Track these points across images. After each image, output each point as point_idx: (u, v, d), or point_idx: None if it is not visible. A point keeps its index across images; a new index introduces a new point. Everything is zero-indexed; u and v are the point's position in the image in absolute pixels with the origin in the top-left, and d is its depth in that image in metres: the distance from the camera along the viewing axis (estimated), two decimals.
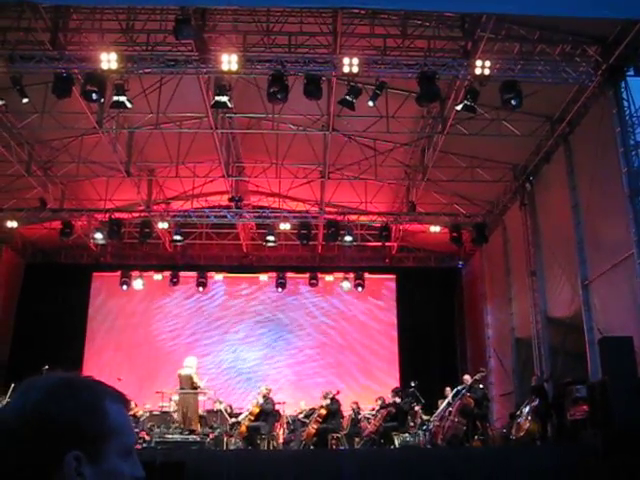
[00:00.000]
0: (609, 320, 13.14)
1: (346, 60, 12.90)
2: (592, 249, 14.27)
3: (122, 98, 13.56)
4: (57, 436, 1.24)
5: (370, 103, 14.04)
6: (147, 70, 13.55)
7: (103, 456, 1.27)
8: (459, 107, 13.72)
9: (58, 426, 1.25)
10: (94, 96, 13.26)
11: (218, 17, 13.48)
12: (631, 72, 12.84)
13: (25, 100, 13.60)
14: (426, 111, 16.02)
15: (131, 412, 15.90)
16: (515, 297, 19.09)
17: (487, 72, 12.90)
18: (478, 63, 12.82)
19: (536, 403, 13.69)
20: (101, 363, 21.93)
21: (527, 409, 13.81)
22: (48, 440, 1.24)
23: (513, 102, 13.04)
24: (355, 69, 12.96)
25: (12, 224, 19.31)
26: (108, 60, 12.71)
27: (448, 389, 15.47)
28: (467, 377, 15.05)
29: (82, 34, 13.45)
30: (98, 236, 19.78)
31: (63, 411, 1.27)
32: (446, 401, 14.92)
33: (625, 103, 12.84)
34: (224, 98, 13.61)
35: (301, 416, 16.48)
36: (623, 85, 12.91)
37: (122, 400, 1.38)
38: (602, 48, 12.93)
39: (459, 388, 14.75)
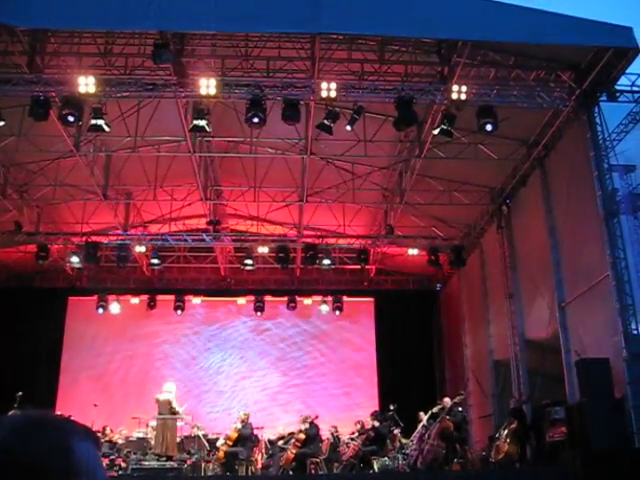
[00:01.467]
0: (586, 342, 13.23)
1: (324, 85, 12.99)
2: (568, 271, 14.41)
3: (100, 122, 13.52)
4: (21, 476, 1.20)
5: (348, 127, 14.11)
6: (125, 94, 13.53)
7: None
8: (436, 131, 13.86)
9: (23, 465, 1.21)
10: (71, 119, 13.21)
11: (197, 42, 13.53)
12: (604, 97, 13.09)
13: (1, 123, 13.52)
14: (403, 135, 16.14)
15: (107, 438, 15.69)
16: (493, 319, 19.17)
17: (463, 97, 13.06)
18: (454, 88, 12.98)
19: (514, 425, 13.70)
20: (76, 388, 21.62)
21: (506, 431, 13.80)
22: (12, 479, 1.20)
23: (489, 127, 13.21)
24: (333, 94, 13.05)
25: None
26: (86, 84, 12.67)
27: (422, 413, 15.45)
28: (446, 400, 15.04)
29: (60, 57, 13.43)
30: (74, 260, 19.56)
31: (27, 450, 1.23)
32: (421, 424, 14.89)
33: (599, 127, 13.06)
34: (202, 122, 13.62)
35: (280, 442, 16.32)
36: (596, 110, 13.14)
37: (92, 438, 1.34)
38: (575, 74, 13.18)
39: (434, 410, 14.72)
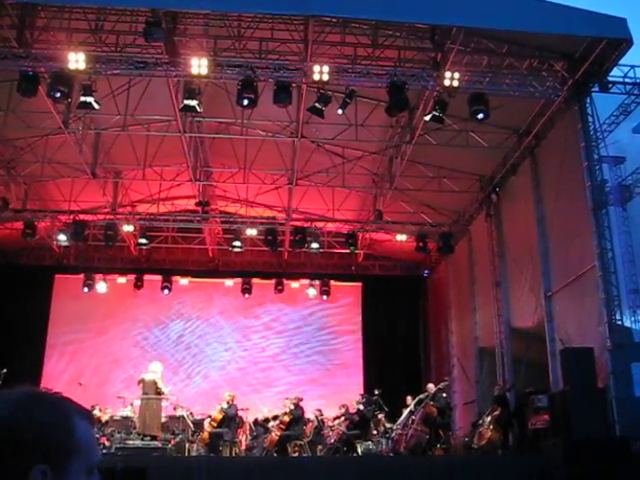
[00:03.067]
0: (571, 331, 13.34)
1: (316, 68, 12.91)
2: (556, 261, 14.49)
3: (89, 99, 13.39)
4: (25, 449, 1.23)
5: (339, 111, 14.07)
6: (116, 71, 13.41)
7: (67, 472, 1.26)
8: (427, 117, 13.83)
9: (26, 439, 1.24)
10: (60, 96, 13.07)
11: (189, 20, 13.40)
12: (596, 88, 13.11)
13: None
14: (395, 120, 16.11)
15: (96, 417, 15.68)
16: (479, 307, 19.27)
17: (456, 84, 13.03)
18: (447, 75, 12.95)
19: (498, 412, 13.82)
20: (61, 366, 21.59)
21: (489, 418, 13.92)
22: (16, 453, 1.22)
23: (481, 115, 13.20)
24: (325, 77, 12.98)
25: None
26: (76, 60, 12.53)
27: (409, 398, 15.53)
28: (431, 386, 15.14)
29: (50, 32, 13.24)
30: (61, 238, 19.45)
31: (32, 425, 1.25)
32: (408, 409, 14.97)
33: (590, 118, 13.09)
34: (193, 102, 13.52)
35: (270, 424, 16.36)
36: (588, 101, 13.16)
37: (89, 417, 1.38)
38: (568, 64, 13.17)
39: (421, 396, 14.81)
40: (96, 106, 13.58)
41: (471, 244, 20.09)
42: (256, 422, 16.94)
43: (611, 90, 13.17)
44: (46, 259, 22.77)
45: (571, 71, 13.11)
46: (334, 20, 13.22)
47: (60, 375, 21.01)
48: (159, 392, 14.64)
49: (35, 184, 19.28)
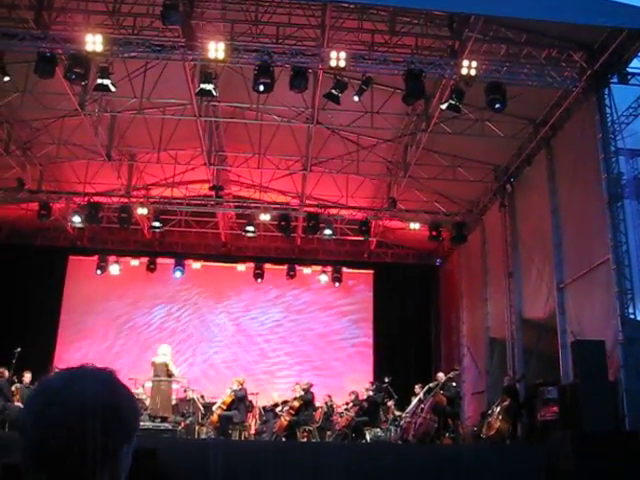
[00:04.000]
0: (582, 323, 13.29)
1: (333, 54, 12.85)
2: (569, 253, 14.42)
3: (106, 81, 13.40)
4: (122, 429, 1.32)
5: (355, 98, 14.03)
6: (132, 54, 13.39)
7: (129, 452, 1.36)
8: (444, 106, 13.75)
9: (124, 420, 1.33)
10: (77, 77, 13.09)
11: (206, 4, 13.37)
12: (615, 79, 12.96)
13: (6, 78, 13.40)
14: (411, 108, 16.05)
15: None
16: (491, 297, 19.22)
17: (473, 72, 12.93)
18: (465, 63, 12.85)
19: (507, 403, 13.83)
20: (74, 347, 21.76)
21: (498, 408, 13.93)
22: (116, 432, 1.30)
23: (497, 104, 13.10)
24: (342, 63, 12.92)
25: None
26: (93, 42, 12.52)
27: (418, 386, 15.57)
28: (441, 374, 15.15)
29: (67, 14, 13.26)
30: (76, 219, 19.56)
31: (128, 407, 1.35)
32: (417, 398, 15.01)
33: (608, 110, 12.96)
34: (209, 86, 13.51)
35: (278, 409, 16.47)
36: (606, 92, 13.02)
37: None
38: (587, 54, 13.04)
39: (431, 385, 14.84)
40: (112, 88, 13.59)
41: (484, 234, 20.02)
42: (265, 407, 17.03)
43: (630, 82, 13.02)
44: (60, 240, 22.89)
45: (590, 62, 12.97)
46: (352, 6, 13.15)
47: (72, 356, 21.18)
48: (170, 374, 14.76)
49: (50, 165, 19.39)
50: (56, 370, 1.47)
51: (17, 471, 1.29)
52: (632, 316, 11.96)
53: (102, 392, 1.31)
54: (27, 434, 1.27)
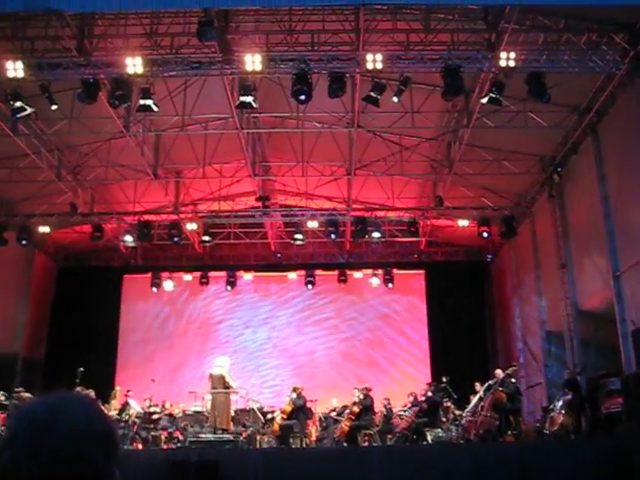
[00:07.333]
0: None
1: (369, 57, 12.87)
2: (622, 240, 14.08)
3: (148, 102, 13.70)
4: (115, 451, 1.35)
5: (394, 99, 14.01)
6: (172, 73, 13.66)
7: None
8: (485, 100, 13.63)
9: (112, 442, 1.35)
10: (120, 101, 13.43)
11: (240, 18, 13.54)
12: None
13: (54, 107, 13.82)
14: (451, 105, 15.94)
15: (167, 411, 16.13)
16: (545, 290, 18.92)
17: (512, 64, 12.78)
18: (502, 55, 12.71)
19: (570, 397, 13.57)
20: (133, 363, 22.19)
21: (560, 403, 13.69)
22: (108, 454, 1.33)
23: (541, 97, 12.89)
24: (379, 65, 12.93)
25: (44, 229, 19.57)
26: (133, 64, 12.84)
27: (478, 384, 15.40)
28: (499, 371, 14.95)
29: (107, 40, 13.62)
30: (128, 239, 19.99)
31: (115, 430, 1.39)
32: (477, 396, 14.86)
33: None
34: (249, 98, 13.67)
35: (334, 414, 16.50)
36: None
37: None
38: (629, 35, 12.72)
39: (490, 383, 14.67)
40: (155, 108, 13.88)
41: (534, 226, 19.71)
42: (325, 414, 17.04)
43: None
44: (114, 260, 23.45)
45: (632, 43, 12.64)
46: (385, 7, 13.13)
47: (133, 373, 21.58)
48: (227, 386, 14.86)
49: (100, 187, 19.88)
50: (29, 400, 1.52)
51: None
52: None
53: (92, 418, 1.34)
54: (21, 470, 1.24)
